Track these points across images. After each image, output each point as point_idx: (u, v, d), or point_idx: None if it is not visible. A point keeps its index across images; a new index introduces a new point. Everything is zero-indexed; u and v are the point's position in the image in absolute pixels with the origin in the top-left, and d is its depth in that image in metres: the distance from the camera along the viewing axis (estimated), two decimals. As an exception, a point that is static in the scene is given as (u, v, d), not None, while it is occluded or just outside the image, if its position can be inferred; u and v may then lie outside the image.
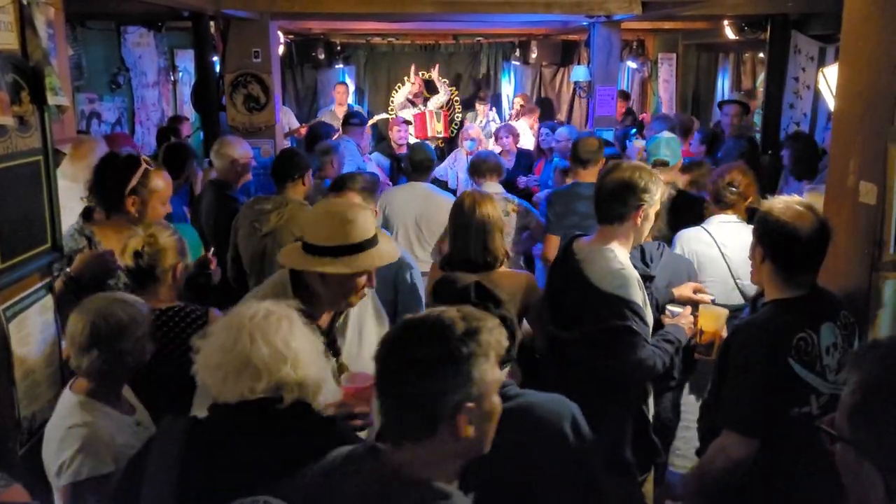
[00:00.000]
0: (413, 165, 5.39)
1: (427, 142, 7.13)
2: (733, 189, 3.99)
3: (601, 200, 3.07)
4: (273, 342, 1.97)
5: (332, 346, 2.68)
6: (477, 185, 5.15)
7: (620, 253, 3.00)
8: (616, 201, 3.01)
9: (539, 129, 7.34)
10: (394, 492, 1.63)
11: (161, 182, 3.50)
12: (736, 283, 3.88)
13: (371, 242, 2.59)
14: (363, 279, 2.61)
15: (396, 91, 12.27)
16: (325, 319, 2.74)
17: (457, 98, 12.65)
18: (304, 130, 9.37)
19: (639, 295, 2.94)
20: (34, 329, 2.80)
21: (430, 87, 11.56)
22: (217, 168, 5.16)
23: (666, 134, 5.29)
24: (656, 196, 3.03)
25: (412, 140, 8.23)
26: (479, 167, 5.18)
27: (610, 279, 2.92)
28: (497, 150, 7.34)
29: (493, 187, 4.99)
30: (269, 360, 1.95)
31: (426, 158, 5.43)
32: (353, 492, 1.68)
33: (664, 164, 4.85)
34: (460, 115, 12.20)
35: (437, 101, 10.90)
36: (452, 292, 2.26)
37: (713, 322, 3.18)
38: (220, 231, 4.73)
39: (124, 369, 2.53)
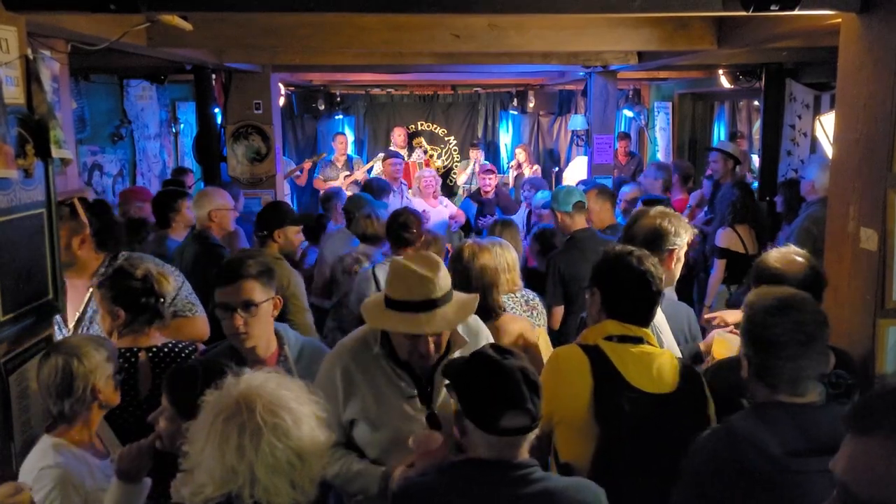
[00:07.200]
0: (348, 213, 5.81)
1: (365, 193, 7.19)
2: (413, 231, 4.30)
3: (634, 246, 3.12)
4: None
5: (428, 394, 2.51)
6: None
7: None
8: (649, 247, 3.05)
9: (523, 185, 6.83)
10: None
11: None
12: None
13: (429, 304, 2.32)
14: (423, 343, 2.36)
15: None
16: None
17: (455, 147, 12.77)
18: (305, 170, 9.54)
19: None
20: (33, 382, 2.76)
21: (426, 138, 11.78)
22: (197, 218, 5.11)
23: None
24: (687, 239, 3.17)
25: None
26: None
27: None
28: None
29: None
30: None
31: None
32: None
33: (583, 206, 5.03)
34: (458, 163, 12.35)
35: (417, 155, 11.36)
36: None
37: (728, 351, 3.14)
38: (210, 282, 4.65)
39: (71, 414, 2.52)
